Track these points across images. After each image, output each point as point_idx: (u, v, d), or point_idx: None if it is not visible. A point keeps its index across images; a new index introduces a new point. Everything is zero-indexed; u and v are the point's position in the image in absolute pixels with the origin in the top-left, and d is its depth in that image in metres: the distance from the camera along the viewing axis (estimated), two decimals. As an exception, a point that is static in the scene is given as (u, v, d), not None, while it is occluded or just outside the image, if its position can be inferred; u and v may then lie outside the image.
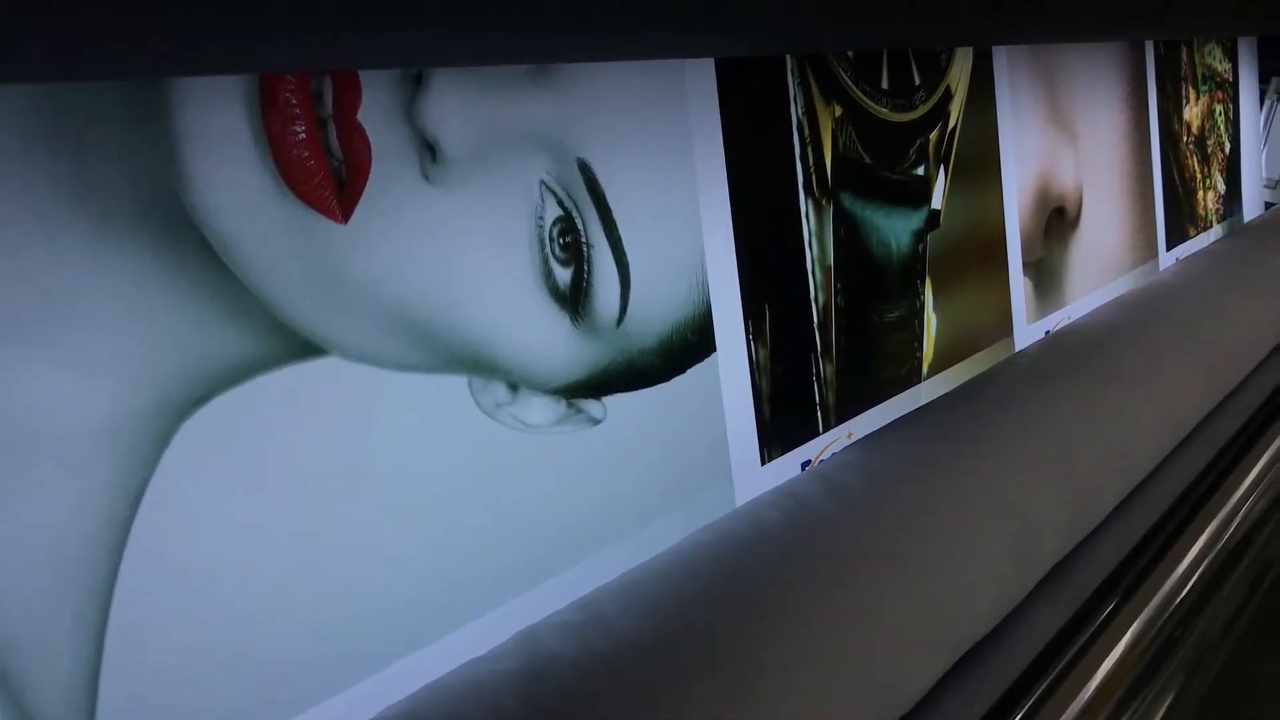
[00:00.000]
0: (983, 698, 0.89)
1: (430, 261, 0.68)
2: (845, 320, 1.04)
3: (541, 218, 0.75)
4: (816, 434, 1.01)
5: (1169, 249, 1.86)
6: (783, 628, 0.71)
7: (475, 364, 0.71)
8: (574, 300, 0.77)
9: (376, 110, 0.65)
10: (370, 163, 0.65)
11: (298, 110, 0.61)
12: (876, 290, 1.09)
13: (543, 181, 0.75)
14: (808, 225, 0.99)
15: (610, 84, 0.80)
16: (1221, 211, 2.14)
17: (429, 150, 0.68)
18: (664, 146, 0.85)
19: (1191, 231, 1.97)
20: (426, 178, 0.68)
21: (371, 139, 0.65)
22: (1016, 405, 1.07)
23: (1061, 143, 1.46)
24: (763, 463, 0.95)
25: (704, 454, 0.89)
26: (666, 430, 0.85)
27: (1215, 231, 2.09)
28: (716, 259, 0.89)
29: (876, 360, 1.09)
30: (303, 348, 0.62)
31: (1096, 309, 1.49)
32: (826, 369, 1.02)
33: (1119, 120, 1.67)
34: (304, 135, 0.61)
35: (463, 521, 0.70)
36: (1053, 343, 1.31)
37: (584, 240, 0.77)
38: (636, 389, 0.82)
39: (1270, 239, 2.03)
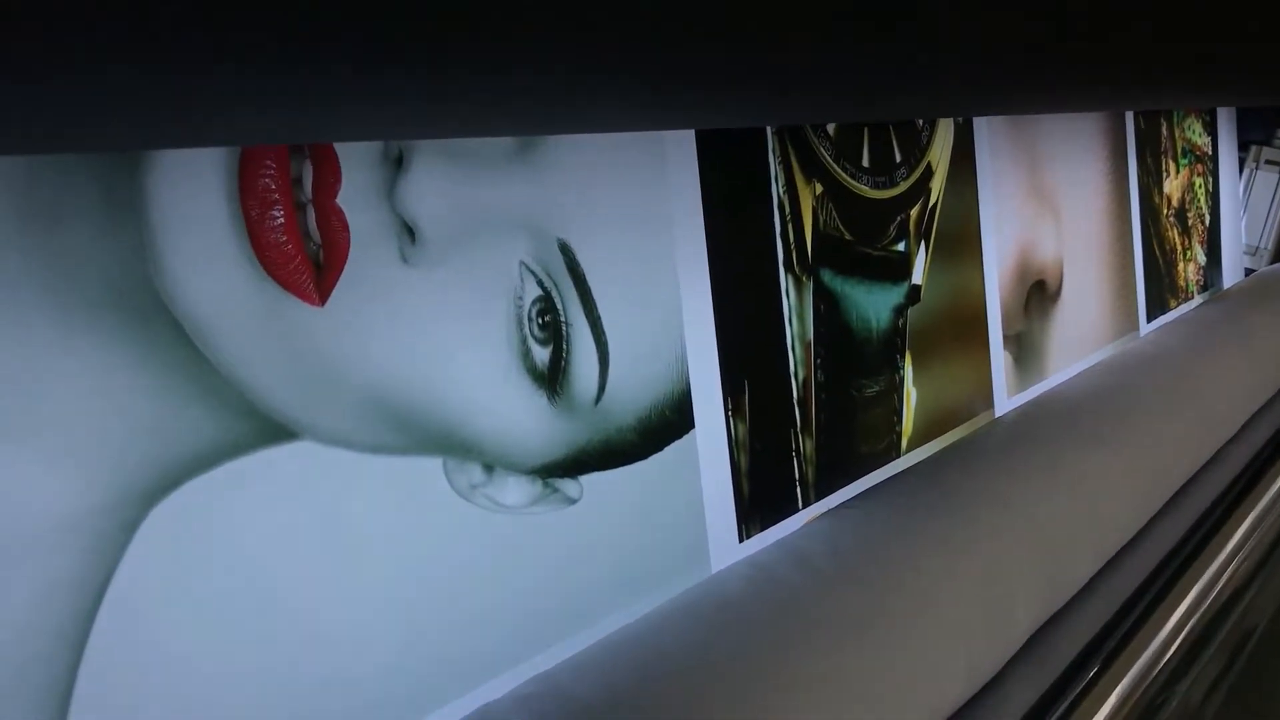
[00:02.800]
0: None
1: (406, 343, 0.68)
2: (825, 395, 1.04)
3: (521, 298, 0.75)
4: (796, 510, 1.01)
5: (1150, 320, 1.87)
6: (745, 698, 0.70)
7: (450, 445, 0.70)
8: (552, 379, 0.77)
9: (356, 192, 0.65)
10: (348, 246, 0.65)
11: (276, 195, 0.61)
12: (856, 365, 1.09)
13: (523, 262, 0.75)
14: (788, 301, 1.00)
15: (591, 163, 0.80)
16: (1202, 282, 2.16)
17: (408, 232, 0.68)
18: (645, 224, 0.85)
19: (1172, 303, 1.99)
20: (405, 259, 0.68)
21: (350, 221, 0.65)
22: (991, 471, 1.08)
23: (1043, 215, 1.48)
24: (741, 539, 0.95)
25: (681, 532, 0.88)
26: (643, 509, 0.85)
27: (1196, 302, 2.10)
28: (696, 335, 0.90)
29: (856, 435, 1.09)
30: (275, 431, 0.61)
31: (1077, 375, 1.49)
32: (806, 444, 1.02)
33: (1100, 193, 1.68)
34: (282, 220, 0.61)
35: (434, 605, 0.69)
36: (1031, 408, 1.31)
37: (563, 320, 0.78)
38: (614, 467, 0.82)
39: (1249, 304, 2.05)
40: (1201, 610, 1.21)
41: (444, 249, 0.70)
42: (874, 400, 1.12)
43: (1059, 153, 1.53)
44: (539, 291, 0.76)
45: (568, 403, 0.78)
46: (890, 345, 1.14)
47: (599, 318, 0.80)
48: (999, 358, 1.37)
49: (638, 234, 0.85)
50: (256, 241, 0.60)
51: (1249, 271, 2.52)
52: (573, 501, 0.79)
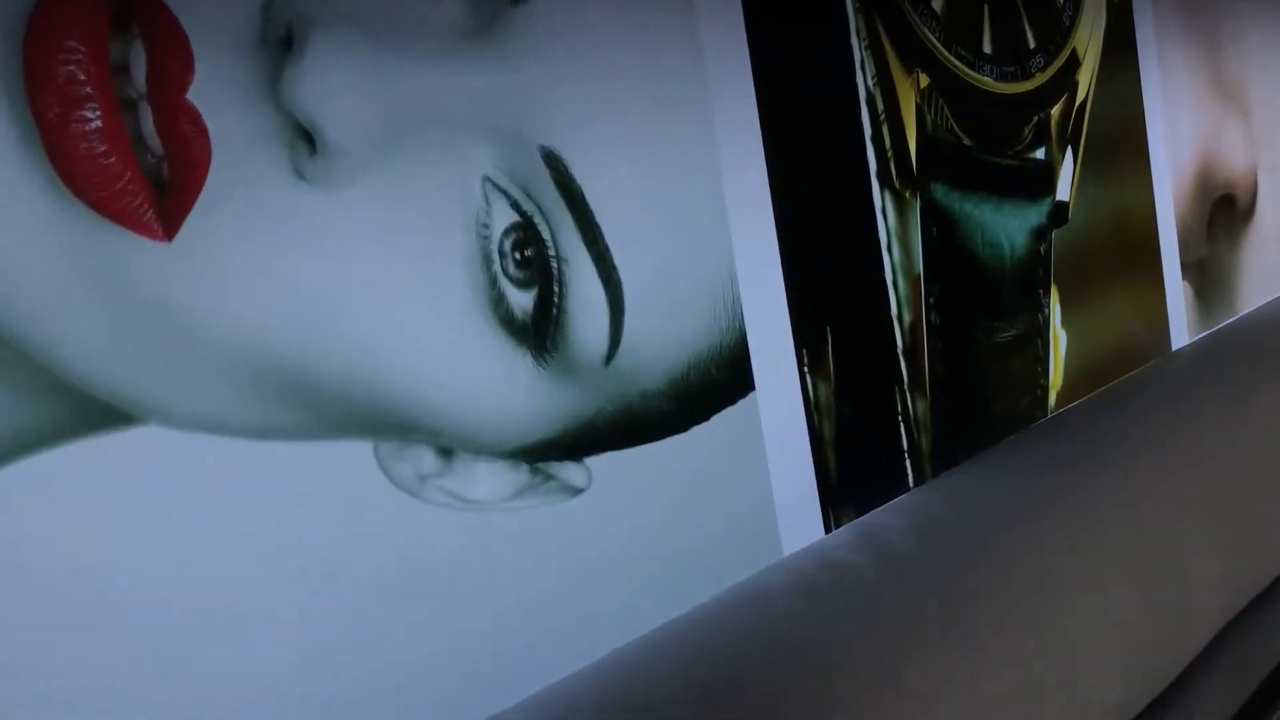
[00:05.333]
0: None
1: (304, 289, 0.50)
2: (942, 342, 0.83)
3: (487, 225, 0.56)
4: (906, 489, 0.80)
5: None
6: None
7: (383, 424, 0.52)
8: (538, 332, 0.58)
9: (220, 86, 0.48)
10: (208, 158, 0.47)
11: (87, 88, 0.44)
12: (984, 303, 0.87)
13: (488, 178, 0.56)
14: (885, 224, 0.78)
15: (587, 38, 0.61)
16: None
17: (305, 139, 0.50)
18: (672, 122, 0.65)
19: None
20: (301, 175, 0.50)
21: (213, 125, 0.47)
22: (1161, 417, 0.84)
23: (1228, 116, 1.21)
24: (828, 530, 0.74)
25: (742, 523, 0.69)
26: (682, 498, 0.65)
27: None
28: (753, 270, 0.70)
29: (986, 392, 0.87)
30: (100, 415, 0.44)
31: (1269, 302, 1.22)
32: (917, 405, 0.80)
33: (1303, 88, 1.39)
34: (99, 123, 0.44)
35: (356, 638, 0.51)
36: (1216, 341, 1.06)
37: (552, 254, 0.59)
38: (638, 444, 0.63)
39: None
40: None
41: (360, 161, 0.52)
42: (1010, 347, 0.89)
43: (1247, 34, 1.25)
44: (514, 217, 0.57)
45: (564, 362, 0.59)
46: (1030, 278, 0.91)
47: (606, 249, 0.61)
48: (1176, 290, 1.11)
49: (661, 135, 0.65)
50: (58, 154, 0.43)
51: None
52: (577, 491, 0.60)
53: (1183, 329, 1.12)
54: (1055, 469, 0.74)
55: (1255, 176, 1.24)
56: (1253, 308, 1.22)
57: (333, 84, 0.51)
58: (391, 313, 0.52)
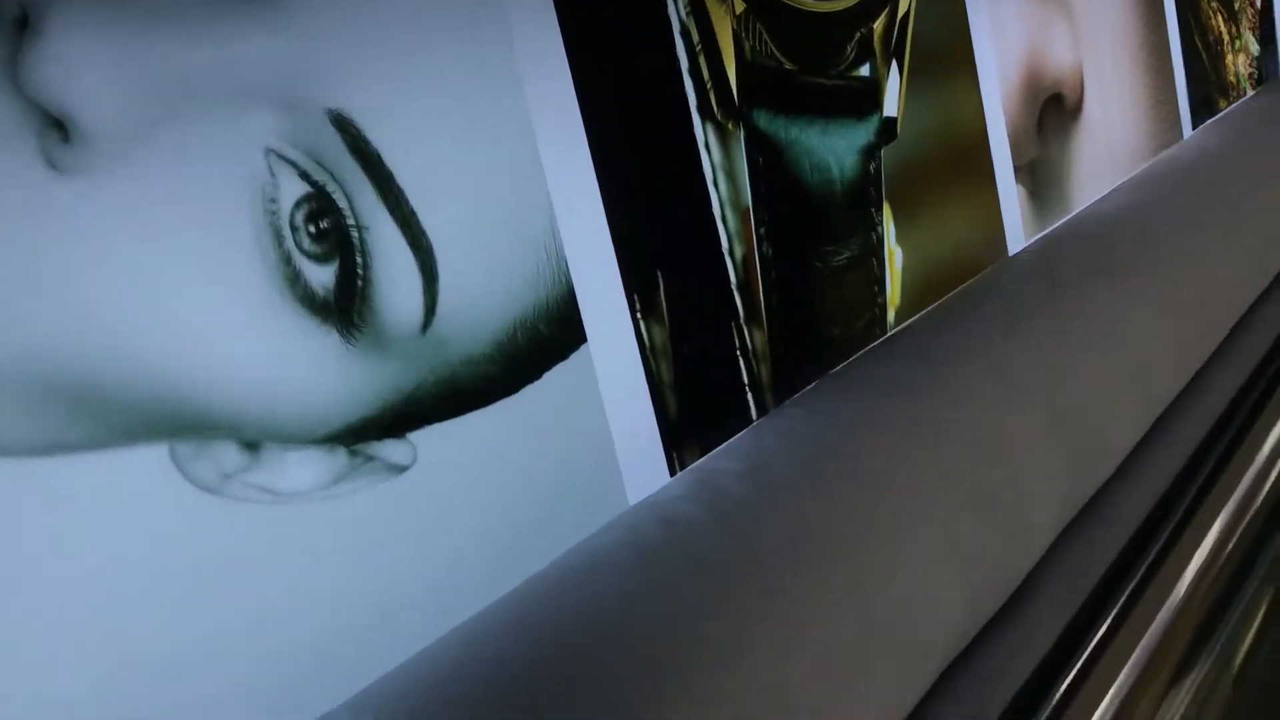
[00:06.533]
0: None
1: (73, 290, 0.46)
2: (776, 272, 0.82)
3: (275, 200, 0.53)
4: (749, 421, 0.79)
5: (1195, 127, 1.61)
6: (659, 682, 0.50)
7: (178, 425, 0.49)
8: (343, 308, 0.55)
9: (-53, 75, 0.43)
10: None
11: None
12: (816, 229, 0.86)
13: (271, 150, 0.53)
14: (709, 158, 0.77)
15: (371, -2, 0.57)
16: (1257, 74, 1.87)
17: (55, 126, 0.46)
18: (475, 73, 0.62)
19: (1221, 103, 1.71)
20: (53, 165, 0.46)
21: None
22: (994, 328, 0.85)
23: (1052, 14, 1.21)
24: (674, 472, 0.73)
25: (583, 479, 0.67)
26: (519, 461, 0.64)
27: (1250, 98, 1.82)
28: (575, 219, 0.67)
29: (824, 316, 0.87)
30: None
31: (1105, 198, 1.24)
32: (755, 338, 0.80)
33: (1123, -18, 1.41)
34: None
35: (158, 652, 0.49)
36: (1047, 244, 1.07)
37: (350, 222, 0.56)
38: (465, 412, 0.61)
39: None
40: (1271, 481, 0.98)
41: (122, 145, 0.48)
42: (845, 269, 0.89)
43: (1065, -67, 1.25)
44: (305, 188, 0.54)
45: (376, 335, 0.57)
46: (861, 198, 0.91)
47: (411, 212, 0.58)
48: (1010, 194, 1.12)
49: (465, 85, 0.62)
50: None
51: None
52: (402, 469, 0.58)
53: (1018, 232, 1.14)
54: (891, 394, 0.74)
55: (1081, 73, 1.26)
56: (1085, 205, 1.24)
57: (80, 63, 0.46)
58: (175, 306, 0.49)
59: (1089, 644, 0.75)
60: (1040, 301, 0.89)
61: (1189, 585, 0.83)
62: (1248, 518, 0.90)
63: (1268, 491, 0.94)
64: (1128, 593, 0.79)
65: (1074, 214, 1.20)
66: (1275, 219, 1.33)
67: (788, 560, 0.58)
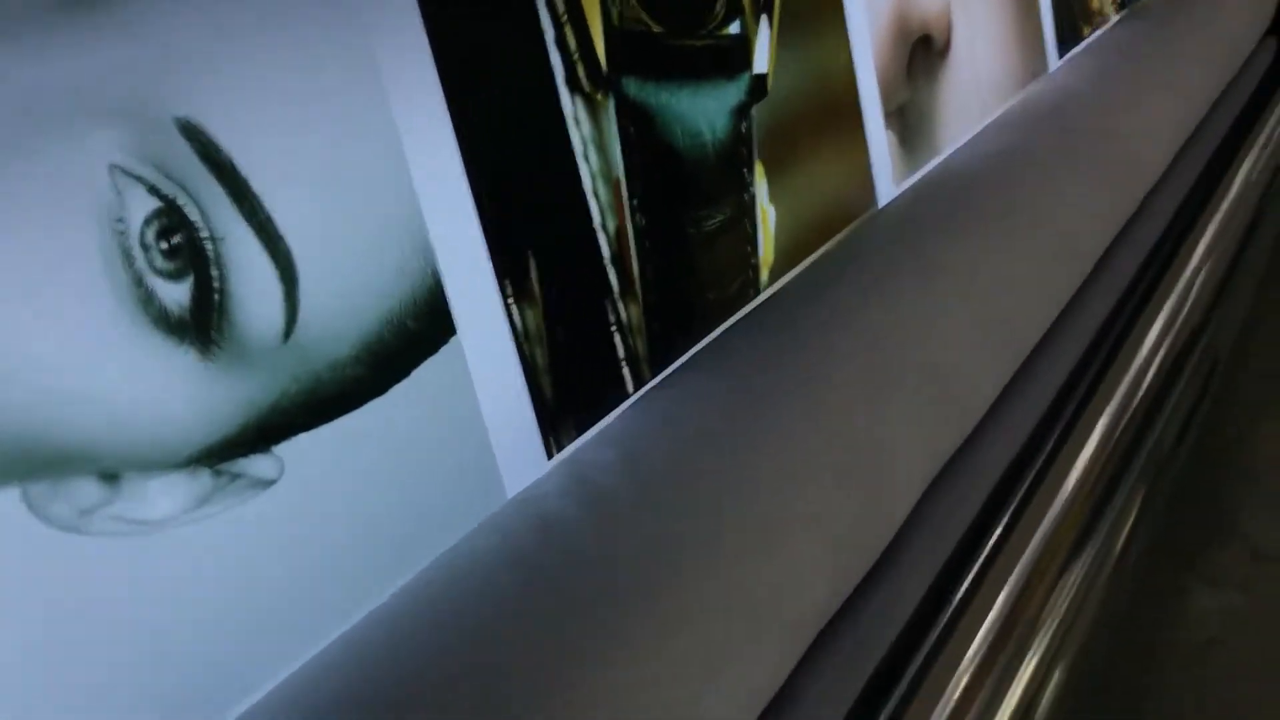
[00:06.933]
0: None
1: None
2: (650, 243, 0.81)
3: (122, 220, 0.50)
4: (626, 395, 0.80)
5: (1062, 55, 1.63)
6: (577, 654, 0.51)
7: (31, 465, 0.47)
8: (200, 324, 0.53)
9: None
10: None
11: None
12: (688, 194, 0.85)
13: (115, 166, 0.50)
14: (579, 132, 0.75)
15: (214, -5, 0.54)
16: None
17: None
18: (328, 65, 0.60)
19: (1086, 30, 1.74)
20: None
21: None
22: (859, 294, 0.86)
23: (920, -45, 1.21)
24: (551, 454, 0.73)
25: (460, 474, 0.67)
26: (393, 463, 0.63)
27: (1114, 21, 1.86)
28: (440, 208, 0.66)
29: (698, 282, 0.87)
30: None
31: (972, 140, 1.26)
32: (630, 311, 0.79)
33: (990, -85, 1.41)
34: None
35: (20, 705, 0.47)
36: (914, 193, 1.09)
37: (205, 235, 0.53)
38: (333, 418, 0.60)
39: (1172, 10, 1.81)
40: (1127, 418, 1.02)
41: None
42: (718, 233, 0.89)
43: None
44: (154, 203, 0.51)
45: (236, 349, 0.55)
46: (733, 159, 0.90)
47: (268, 218, 0.56)
48: (880, 141, 1.13)
49: (322, 82, 0.59)
50: None
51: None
52: (269, 483, 0.56)
53: (887, 175, 1.15)
54: (758, 369, 0.75)
55: (949, 12, 1.26)
56: (954, 147, 1.25)
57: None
58: (19, 342, 0.47)
59: (955, 598, 0.78)
60: (903, 259, 0.91)
61: (1050, 524, 0.87)
62: (1100, 465, 0.93)
63: (1119, 439, 0.98)
64: (989, 548, 0.81)
65: (941, 159, 1.21)
66: (1135, 148, 1.37)
67: (659, 552, 0.59)
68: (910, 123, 1.19)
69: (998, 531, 0.81)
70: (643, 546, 0.59)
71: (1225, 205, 1.34)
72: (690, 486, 0.63)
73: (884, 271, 0.88)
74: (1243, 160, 1.53)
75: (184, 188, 0.52)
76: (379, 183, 0.62)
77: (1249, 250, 1.47)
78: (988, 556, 0.82)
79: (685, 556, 0.59)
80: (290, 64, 0.58)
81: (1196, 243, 1.27)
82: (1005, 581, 0.81)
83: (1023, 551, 0.83)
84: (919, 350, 0.83)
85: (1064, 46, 1.63)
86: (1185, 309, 1.17)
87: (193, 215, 0.53)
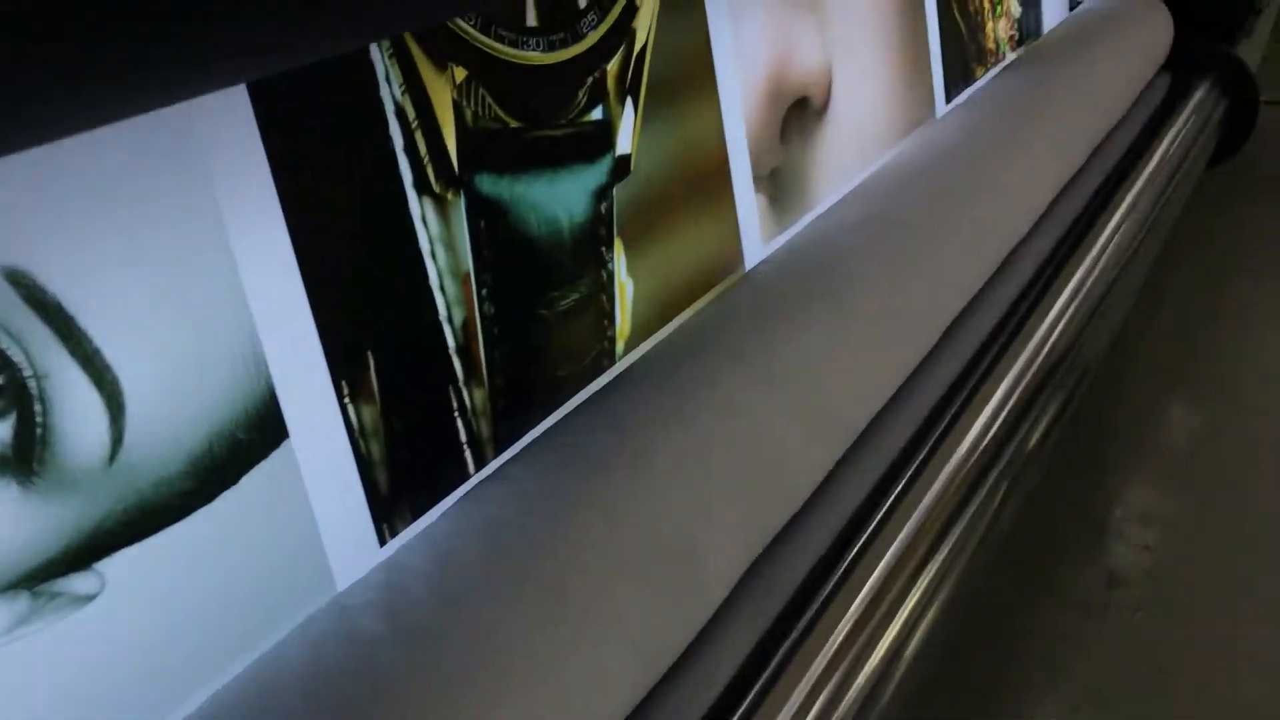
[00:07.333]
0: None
1: None
2: (499, 329, 0.85)
3: (-60, 370, 0.53)
4: (467, 477, 0.84)
5: (950, 100, 1.68)
6: None
7: None
8: (21, 458, 0.57)
9: None
10: None
11: None
12: (542, 278, 0.89)
13: (-64, 320, 0.53)
14: (426, 232, 0.79)
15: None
16: (1018, 35, 1.96)
17: None
18: (161, 195, 0.63)
19: (979, 71, 1.79)
20: None
21: None
22: (700, 380, 0.90)
23: (800, 18, 1.25)
24: (384, 542, 0.77)
25: (290, 573, 0.71)
26: (218, 568, 0.66)
27: (1010, 60, 1.91)
28: (276, 321, 0.69)
29: (549, 361, 0.91)
30: None
31: (843, 197, 1.31)
32: (475, 397, 0.83)
33: (881, -32, 1.45)
34: None
35: None
36: (782, 255, 1.13)
37: (28, 374, 0.57)
38: (157, 532, 0.63)
39: (1063, 53, 1.86)
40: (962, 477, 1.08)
41: None
42: (573, 311, 0.93)
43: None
44: (-24, 351, 0.54)
45: (58, 478, 0.58)
46: (591, 239, 0.94)
47: (95, 351, 0.59)
48: (749, 205, 1.17)
49: (151, 209, 0.62)
50: None
51: (1074, 5, 2.32)
52: (89, 599, 0.60)
53: (755, 236, 1.19)
54: (584, 465, 0.78)
55: (830, 71, 1.30)
56: (829, 202, 1.30)
57: None
58: None
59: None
60: (743, 341, 0.95)
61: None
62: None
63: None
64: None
65: (811, 218, 1.26)
66: (1006, 202, 1.42)
67: (462, 671, 0.63)
68: (782, 185, 1.23)
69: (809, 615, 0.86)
70: (444, 667, 0.63)
71: (1080, 272, 1.40)
72: (496, 600, 0.67)
73: (719, 358, 0.92)
74: (1114, 211, 1.59)
75: (7, 331, 0.55)
76: (212, 303, 0.65)
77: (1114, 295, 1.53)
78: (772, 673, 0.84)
79: (485, 677, 0.64)
80: (121, 195, 0.60)
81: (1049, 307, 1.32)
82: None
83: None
84: (745, 433, 0.87)
85: (953, 89, 1.68)
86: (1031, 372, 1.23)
87: (16, 357, 0.56)
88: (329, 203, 0.72)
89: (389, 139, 0.76)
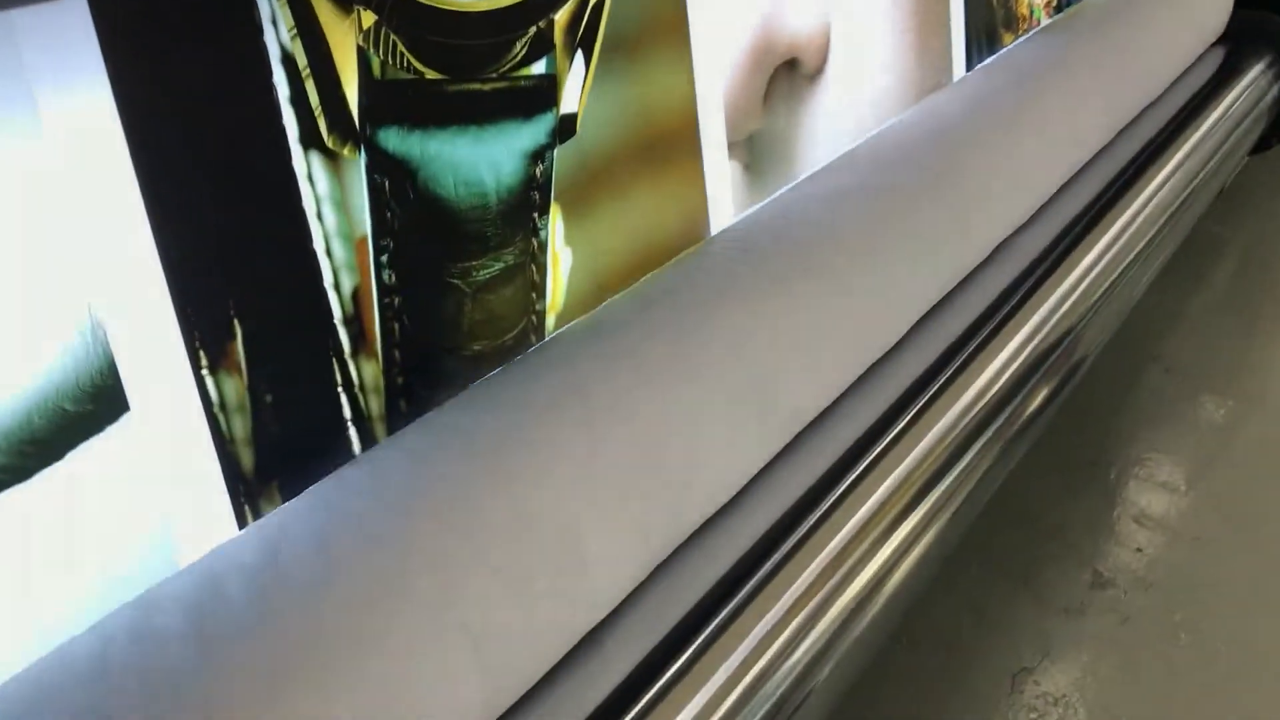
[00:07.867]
0: None
1: None
2: (400, 298, 0.79)
3: None
4: (351, 457, 0.78)
5: (971, 67, 1.58)
6: None
7: None
8: None
9: None
10: None
11: None
12: (457, 246, 0.82)
13: None
14: (313, 190, 0.72)
15: None
16: (1056, 1, 1.83)
17: None
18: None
19: (1008, 39, 1.68)
20: None
21: None
22: (610, 363, 0.83)
23: (798, -27, 1.16)
24: (243, 525, 0.72)
25: (122, 554, 0.65)
26: (34, 548, 0.61)
27: (1037, 32, 1.79)
28: (118, 282, 0.63)
29: (462, 334, 0.84)
30: None
31: (824, 167, 1.21)
32: (364, 371, 0.77)
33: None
34: None
35: None
36: (743, 231, 1.04)
37: None
38: (-42, 510, 0.58)
39: (1094, 26, 1.73)
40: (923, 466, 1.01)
41: None
42: (495, 282, 0.86)
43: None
44: None
45: None
46: (522, 204, 0.87)
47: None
48: (720, 171, 1.09)
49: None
50: None
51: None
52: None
53: (729, 208, 1.11)
54: (460, 456, 0.72)
55: (828, 32, 1.21)
56: (808, 173, 1.21)
57: None
58: None
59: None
60: (681, 319, 0.87)
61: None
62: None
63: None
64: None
65: (790, 185, 1.17)
66: (1010, 182, 1.32)
67: (266, 680, 0.58)
68: (760, 151, 1.15)
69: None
70: (230, 664, 0.57)
71: (1078, 272, 1.30)
72: (323, 602, 0.61)
73: (634, 342, 0.84)
74: (1129, 203, 1.48)
75: None
76: (37, 272, 0.59)
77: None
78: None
79: (301, 684, 0.58)
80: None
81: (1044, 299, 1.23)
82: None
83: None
84: (678, 429, 0.80)
85: (974, 58, 1.57)
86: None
87: None
88: (190, 152, 0.65)
89: (271, 88, 0.69)
